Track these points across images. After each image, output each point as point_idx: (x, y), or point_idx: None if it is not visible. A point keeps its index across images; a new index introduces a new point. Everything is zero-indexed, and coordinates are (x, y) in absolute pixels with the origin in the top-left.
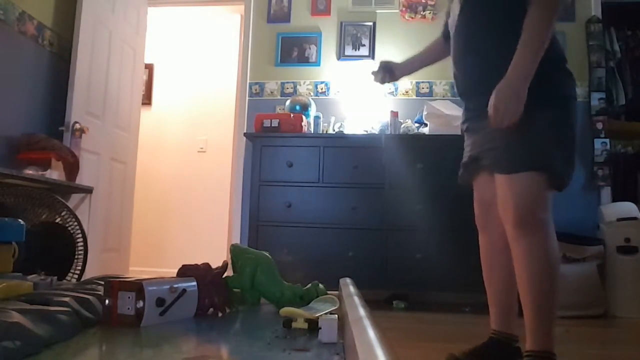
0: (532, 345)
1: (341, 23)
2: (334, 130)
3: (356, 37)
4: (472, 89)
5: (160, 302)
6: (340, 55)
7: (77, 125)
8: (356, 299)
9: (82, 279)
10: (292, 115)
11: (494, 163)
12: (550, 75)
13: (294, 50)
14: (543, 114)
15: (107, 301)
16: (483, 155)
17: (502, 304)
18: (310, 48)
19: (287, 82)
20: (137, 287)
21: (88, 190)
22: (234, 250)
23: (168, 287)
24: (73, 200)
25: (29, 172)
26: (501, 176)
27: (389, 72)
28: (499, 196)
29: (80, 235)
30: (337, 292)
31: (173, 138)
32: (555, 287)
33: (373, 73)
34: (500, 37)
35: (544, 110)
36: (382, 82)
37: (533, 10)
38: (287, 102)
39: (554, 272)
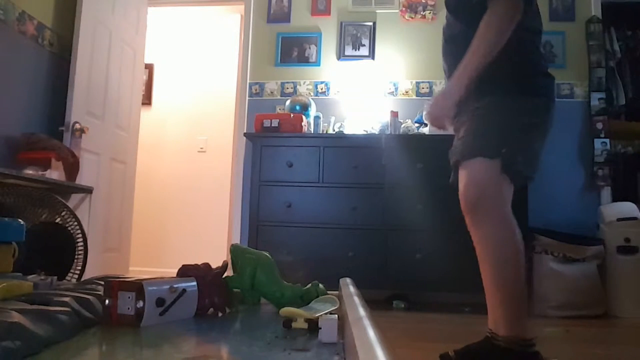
0: (505, 331)
1: (341, 23)
2: (334, 130)
3: (356, 37)
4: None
5: (160, 302)
6: (340, 55)
7: (77, 125)
8: (356, 299)
9: (82, 279)
10: (292, 115)
11: (456, 154)
12: (505, 65)
13: (294, 50)
14: (496, 104)
15: (107, 301)
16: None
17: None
18: (310, 48)
19: (287, 82)
20: (137, 287)
21: (88, 190)
22: (234, 250)
23: (168, 287)
24: (73, 200)
25: (29, 172)
26: (459, 167)
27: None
28: (461, 185)
29: (80, 235)
30: (337, 292)
31: (173, 138)
32: (517, 276)
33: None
34: (468, 44)
35: (497, 101)
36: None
37: (484, 18)
38: (287, 102)
39: (512, 262)
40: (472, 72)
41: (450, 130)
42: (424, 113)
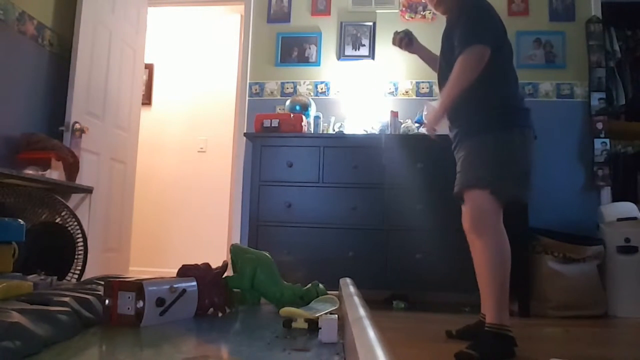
0: (491, 319)
1: (341, 23)
2: (334, 130)
3: (356, 37)
4: (451, 121)
5: (160, 302)
6: (340, 55)
7: (77, 125)
8: (356, 299)
9: (82, 279)
10: (292, 115)
11: (457, 185)
12: (495, 109)
13: (294, 50)
14: (482, 142)
15: (107, 301)
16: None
17: None
18: (310, 48)
19: (287, 82)
20: (137, 287)
21: (88, 190)
22: (234, 250)
23: (168, 287)
24: (73, 200)
25: (29, 172)
26: (464, 194)
27: (409, 41)
28: (465, 209)
29: (80, 235)
30: (337, 292)
31: (173, 138)
32: (504, 277)
33: (395, 33)
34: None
35: (483, 139)
36: (399, 44)
37: (458, 60)
38: (287, 102)
39: (505, 265)
40: (451, 99)
41: (443, 130)
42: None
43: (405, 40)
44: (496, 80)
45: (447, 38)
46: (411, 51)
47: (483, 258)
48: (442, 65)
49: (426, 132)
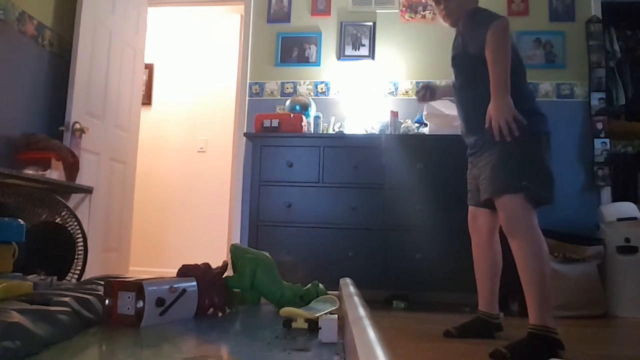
0: (533, 320)
1: (341, 23)
2: (334, 130)
3: (356, 37)
4: (468, 130)
5: (160, 302)
6: (340, 55)
7: (77, 125)
8: (356, 299)
9: (82, 279)
10: (292, 115)
11: (487, 192)
12: (524, 116)
13: (294, 50)
14: (506, 149)
15: (107, 301)
16: (480, 186)
17: (486, 289)
18: (310, 48)
19: (287, 82)
20: (137, 287)
21: (88, 190)
22: (234, 250)
23: (168, 287)
24: (73, 200)
25: (29, 172)
26: (495, 200)
27: (430, 92)
28: (499, 214)
29: (80, 235)
30: (337, 292)
31: (173, 138)
32: (544, 276)
33: (417, 93)
34: (477, 91)
35: (517, 146)
36: (423, 100)
37: (487, 41)
38: (287, 102)
39: (542, 264)
40: (507, 88)
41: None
42: (495, 128)
43: (428, 94)
44: (519, 86)
45: (462, 48)
46: (436, 98)
47: (520, 259)
48: (460, 81)
49: (507, 135)
